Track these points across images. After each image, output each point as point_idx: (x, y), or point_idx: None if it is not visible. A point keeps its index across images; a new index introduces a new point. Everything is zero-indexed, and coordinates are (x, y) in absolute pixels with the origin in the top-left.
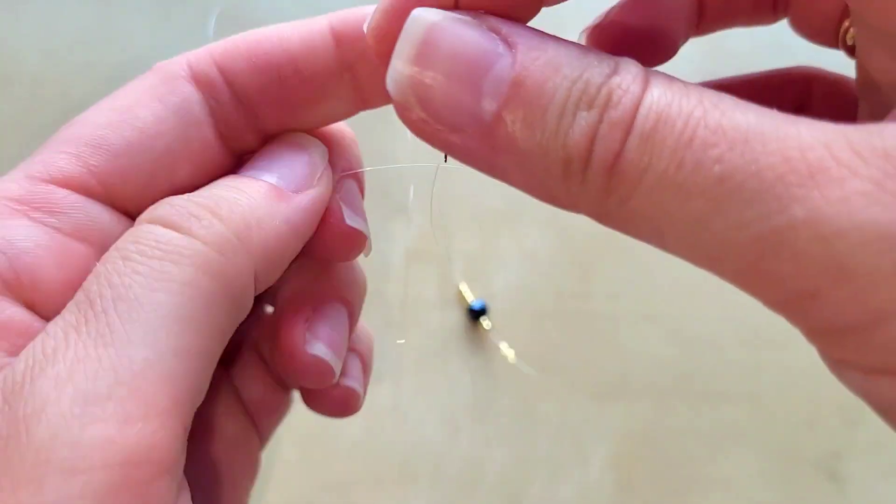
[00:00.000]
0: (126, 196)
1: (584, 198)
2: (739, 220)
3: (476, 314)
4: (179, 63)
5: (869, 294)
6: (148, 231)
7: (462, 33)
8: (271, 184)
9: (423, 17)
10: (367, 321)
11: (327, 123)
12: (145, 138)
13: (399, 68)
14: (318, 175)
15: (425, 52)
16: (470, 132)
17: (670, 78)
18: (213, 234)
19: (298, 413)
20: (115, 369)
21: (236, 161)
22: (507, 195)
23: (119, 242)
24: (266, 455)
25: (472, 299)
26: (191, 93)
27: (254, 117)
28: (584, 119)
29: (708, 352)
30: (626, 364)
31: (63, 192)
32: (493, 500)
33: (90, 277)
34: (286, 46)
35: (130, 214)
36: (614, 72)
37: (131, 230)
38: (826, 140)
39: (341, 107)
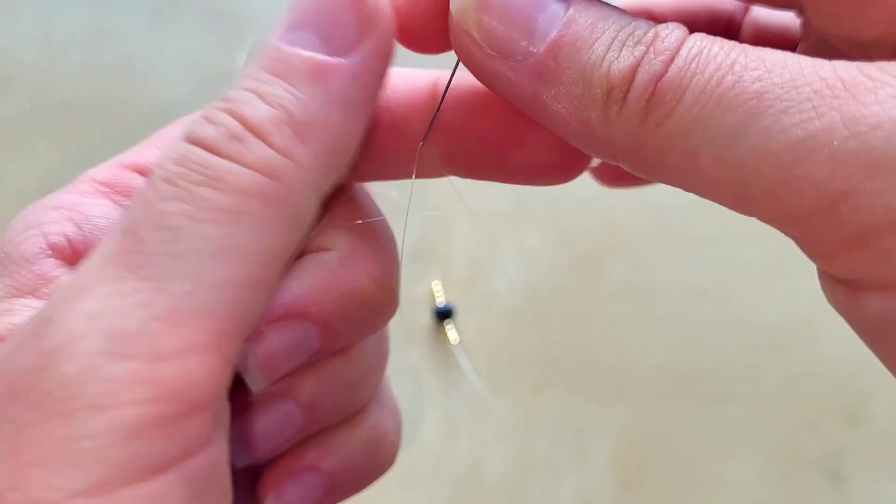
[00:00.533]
0: None
1: (619, 126)
2: (777, 127)
3: (441, 316)
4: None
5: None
6: (190, 152)
7: None
8: (314, 59)
9: None
10: None
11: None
12: None
13: None
14: (370, 17)
15: None
16: (520, 60)
17: (712, 38)
18: (259, 157)
19: None
20: (149, 304)
21: None
22: (508, 195)
23: (162, 160)
24: None
25: (441, 300)
26: None
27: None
28: (631, 52)
29: (709, 352)
30: (627, 365)
31: (143, 179)
32: (493, 501)
33: (133, 202)
34: (390, 91)
35: None
36: (655, 26)
37: (174, 145)
38: (857, 64)
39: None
